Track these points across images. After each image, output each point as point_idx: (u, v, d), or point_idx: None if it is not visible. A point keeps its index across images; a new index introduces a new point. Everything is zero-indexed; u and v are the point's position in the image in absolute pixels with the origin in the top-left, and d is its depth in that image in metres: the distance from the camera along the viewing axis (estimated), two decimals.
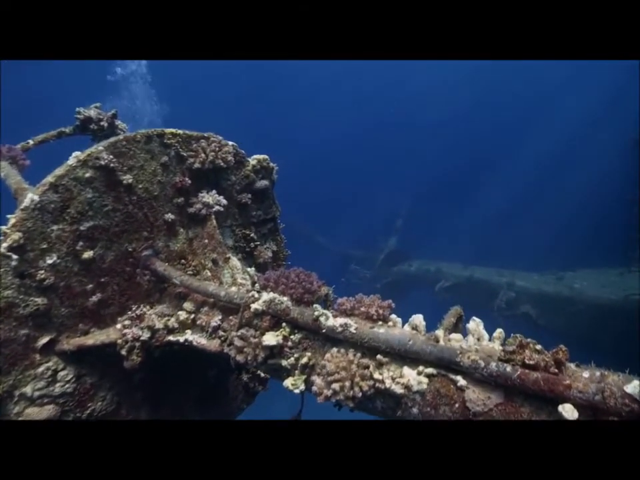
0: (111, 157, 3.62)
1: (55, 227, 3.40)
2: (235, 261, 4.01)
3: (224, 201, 4.33)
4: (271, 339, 2.98)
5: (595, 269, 16.11)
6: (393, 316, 2.96)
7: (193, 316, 3.69)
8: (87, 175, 3.52)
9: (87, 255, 3.54)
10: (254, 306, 3.11)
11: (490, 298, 17.23)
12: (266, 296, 3.15)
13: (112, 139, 3.72)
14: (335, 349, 2.76)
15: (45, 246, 3.36)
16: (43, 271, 3.34)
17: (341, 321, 2.72)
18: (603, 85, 34.89)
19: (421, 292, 21.00)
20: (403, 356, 2.52)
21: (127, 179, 3.75)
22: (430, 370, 2.43)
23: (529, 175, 37.84)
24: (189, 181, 4.18)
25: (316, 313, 2.83)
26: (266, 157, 4.87)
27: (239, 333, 3.15)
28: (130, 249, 3.86)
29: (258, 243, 4.93)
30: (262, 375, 4.96)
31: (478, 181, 40.10)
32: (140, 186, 3.87)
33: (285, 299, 3.08)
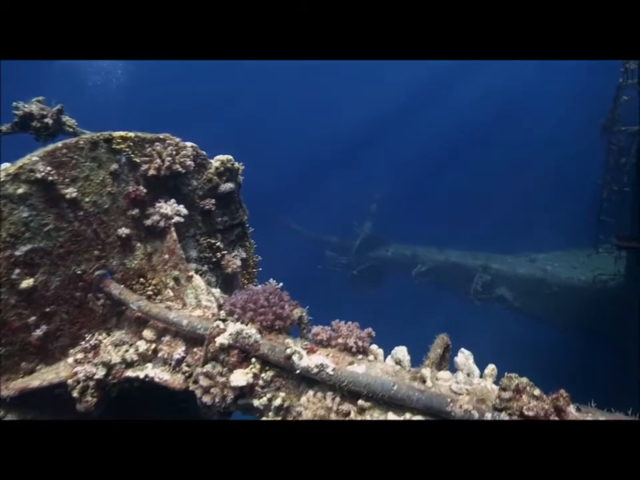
0: (49, 168, 3.16)
1: None
2: (198, 280, 3.63)
3: (184, 211, 3.92)
4: (239, 378, 2.67)
5: (564, 251, 16.39)
6: (374, 347, 2.69)
7: (154, 346, 3.32)
8: (20, 190, 3.06)
9: (26, 283, 3.11)
10: (219, 340, 2.77)
11: (466, 281, 17.36)
12: (232, 327, 2.81)
13: (49, 147, 3.25)
14: (311, 392, 2.47)
15: None
16: None
17: (316, 360, 2.42)
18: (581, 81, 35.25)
19: (398, 277, 21.01)
20: (387, 402, 2.25)
21: (71, 192, 3.30)
22: (418, 418, 2.16)
23: (504, 161, 38.17)
24: (144, 190, 3.75)
25: (288, 351, 2.52)
26: (230, 157, 4.45)
27: (204, 370, 2.82)
28: (79, 272, 3.44)
29: (225, 251, 4.56)
30: None
31: (454, 166, 40.26)
32: (87, 199, 3.42)
33: (254, 331, 2.76)
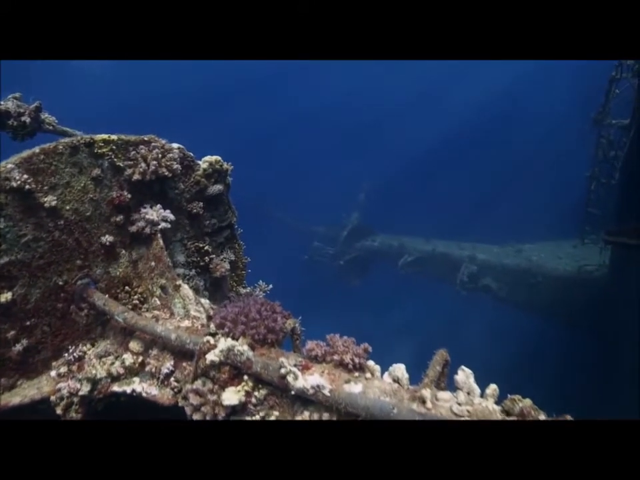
0: (25, 176, 2.99)
1: None
2: (186, 290, 3.51)
3: (171, 216, 3.78)
4: (231, 397, 2.57)
5: (551, 241, 16.58)
6: (371, 363, 2.61)
7: (141, 358, 3.20)
8: None
9: (4, 297, 2.95)
10: (210, 357, 2.67)
11: (452, 271, 17.50)
12: (223, 343, 2.71)
13: (25, 153, 3.07)
14: (306, 413, 2.39)
15: None
16: None
17: (312, 381, 2.34)
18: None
19: (385, 267, 21.04)
20: None
21: (50, 200, 3.13)
22: None
23: (494, 156, 38.26)
24: (129, 195, 3.60)
25: (282, 371, 2.43)
26: (218, 158, 4.31)
27: (194, 387, 2.71)
28: (61, 283, 3.29)
29: (213, 256, 4.43)
30: None
31: (441, 157, 40.27)
32: (67, 207, 3.26)
33: (246, 348, 2.66)
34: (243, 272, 5.00)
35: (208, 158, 4.25)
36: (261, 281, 5.09)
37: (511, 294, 15.97)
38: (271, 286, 5.10)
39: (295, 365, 2.52)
